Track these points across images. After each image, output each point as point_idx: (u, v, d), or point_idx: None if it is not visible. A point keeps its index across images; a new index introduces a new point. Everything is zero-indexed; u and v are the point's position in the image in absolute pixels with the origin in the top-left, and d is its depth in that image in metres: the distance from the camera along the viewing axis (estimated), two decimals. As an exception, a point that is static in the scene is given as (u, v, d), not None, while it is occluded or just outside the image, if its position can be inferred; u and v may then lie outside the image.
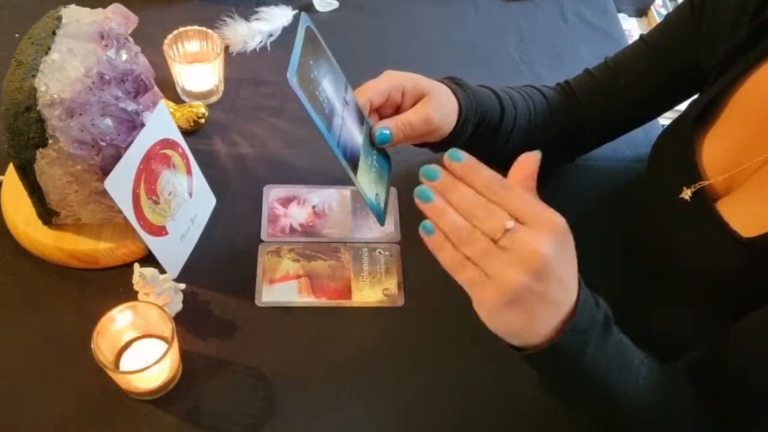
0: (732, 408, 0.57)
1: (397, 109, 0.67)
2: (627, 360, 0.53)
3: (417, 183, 0.85)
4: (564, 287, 0.47)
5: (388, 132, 0.65)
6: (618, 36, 1.12)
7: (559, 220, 0.45)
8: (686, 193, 0.67)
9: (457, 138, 0.69)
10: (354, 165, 0.61)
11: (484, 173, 0.47)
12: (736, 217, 0.62)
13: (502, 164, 0.85)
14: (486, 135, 0.72)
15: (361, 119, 0.65)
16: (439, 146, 0.71)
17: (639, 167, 0.89)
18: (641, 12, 1.95)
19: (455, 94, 0.68)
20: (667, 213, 0.71)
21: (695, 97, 0.75)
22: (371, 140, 0.67)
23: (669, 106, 0.79)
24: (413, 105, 0.67)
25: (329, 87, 0.61)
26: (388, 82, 0.66)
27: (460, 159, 0.47)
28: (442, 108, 0.66)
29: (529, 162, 0.48)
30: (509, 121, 0.73)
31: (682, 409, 0.56)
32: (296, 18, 1.02)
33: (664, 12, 1.88)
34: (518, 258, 0.44)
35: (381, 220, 0.67)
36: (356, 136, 0.63)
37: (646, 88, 0.76)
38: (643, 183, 0.82)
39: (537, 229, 0.44)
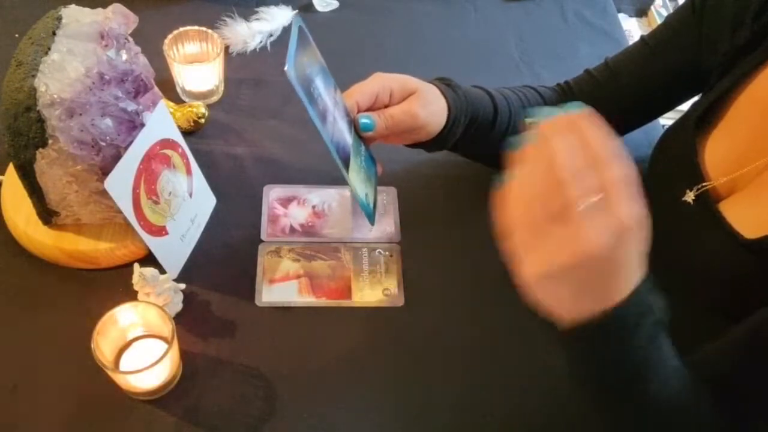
0: (729, 410, 0.57)
1: None
2: (667, 357, 0.51)
3: (416, 183, 0.86)
4: (614, 279, 0.44)
5: (369, 121, 0.65)
6: (618, 36, 1.12)
7: (629, 221, 0.41)
8: (689, 196, 0.67)
9: (448, 137, 0.70)
10: (345, 163, 0.62)
11: (600, 132, 0.43)
12: (740, 219, 0.62)
13: (498, 164, 0.86)
14: (480, 135, 0.72)
15: (350, 120, 0.66)
16: (430, 146, 0.71)
17: (639, 168, 0.88)
18: (641, 12, 1.95)
19: (444, 94, 0.68)
20: (668, 214, 0.71)
21: (696, 98, 0.75)
22: (359, 140, 0.68)
23: (669, 107, 0.79)
24: None
25: (321, 85, 0.62)
26: (376, 84, 0.66)
27: (580, 108, 0.44)
28: (428, 105, 0.67)
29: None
30: (503, 121, 0.73)
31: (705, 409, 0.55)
32: (297, 14, 1.03)
33: (664, 12, 1.88)
34: (572, 242, 0.41)
35: (371, 220, 0.69)
36: (346, 135, 0.64)
37: (646, 89, 0.76)
38: (643, 184, 0.82)
39: (605, 221, 0.41)
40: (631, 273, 0.45)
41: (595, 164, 0.42)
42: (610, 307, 0.44)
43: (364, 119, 0.66)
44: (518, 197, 0.44)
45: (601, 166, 0.42)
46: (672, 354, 0.52)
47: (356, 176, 0.65)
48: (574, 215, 0.41)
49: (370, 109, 0.67)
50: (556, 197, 0.41)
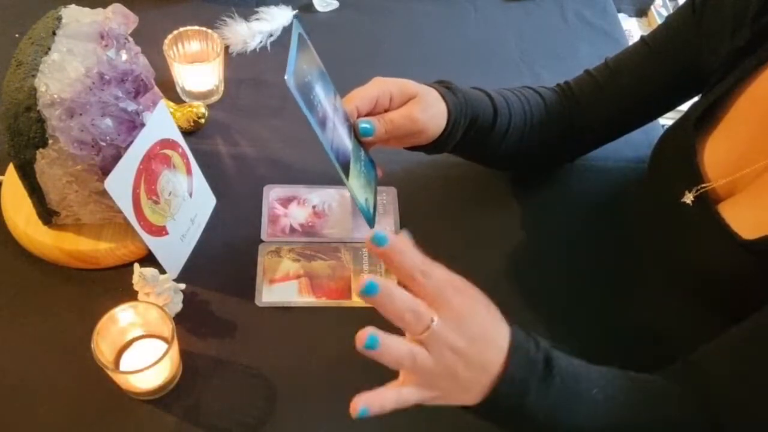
0: (728, 410, 0.57)
1: None
2: (578, 394, 0.53)
3: (416, 183, 0.86)
4: (484, 359, 0.50)
5: (368, 126, 0.65)
6: (618, 36, 1.12)
7: (460, 308, 0.49)
8: (688, 197, 0.67)
9: (448, 140, 0.70)
10: (345, 169, 0.62)
11: (406, 259, 0.48)
12: (739, 220, 0.62)
13: (498, 165, 0.86)
14: (479, 137, 0.72)
15: (350, 126, 0.66)
16: (431, 148, 0.71)
17: (639, 168, 0.89)
18: (641, 12, 1.96)
19: (444, 97, 0.68)
20: (668, 215, 0.71)
21: (696, 99, 0.75)
22: (359, 145, 0.68)
23: (669, 108, 0.79)
24: None
25: (321, 92, 0.62)
26: (376, 88, 0.66)
27: (383, 243, 0.47)
28: (428, 109, 0.67)
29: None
30: (503, 123, 0.73)
31: (660, 423, 0.56)
32: (296, 18, 1.03)
33: (664, 12, 1.88)
34: (434, 356, 0.49)
35: (371, 224, 0.69)
36: (346, 141, 0.64)
37: (646, 89, 0.76)
38: (643, 184, 0.82)
39: (446, 324, 0.48)
40: (495, 341, 0.50)
41: (417, 286, 0.49)
42: (495, 376, 0.50)
43: (363, 124, 0.66)
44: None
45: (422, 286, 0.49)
46: (588, 387, 0.54)
47: (356, 182, 0.65)
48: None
49: (369, 113, 0.67)
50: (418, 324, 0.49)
